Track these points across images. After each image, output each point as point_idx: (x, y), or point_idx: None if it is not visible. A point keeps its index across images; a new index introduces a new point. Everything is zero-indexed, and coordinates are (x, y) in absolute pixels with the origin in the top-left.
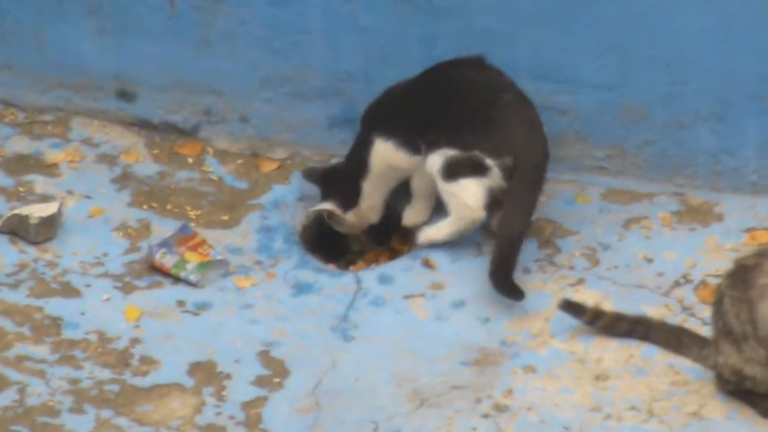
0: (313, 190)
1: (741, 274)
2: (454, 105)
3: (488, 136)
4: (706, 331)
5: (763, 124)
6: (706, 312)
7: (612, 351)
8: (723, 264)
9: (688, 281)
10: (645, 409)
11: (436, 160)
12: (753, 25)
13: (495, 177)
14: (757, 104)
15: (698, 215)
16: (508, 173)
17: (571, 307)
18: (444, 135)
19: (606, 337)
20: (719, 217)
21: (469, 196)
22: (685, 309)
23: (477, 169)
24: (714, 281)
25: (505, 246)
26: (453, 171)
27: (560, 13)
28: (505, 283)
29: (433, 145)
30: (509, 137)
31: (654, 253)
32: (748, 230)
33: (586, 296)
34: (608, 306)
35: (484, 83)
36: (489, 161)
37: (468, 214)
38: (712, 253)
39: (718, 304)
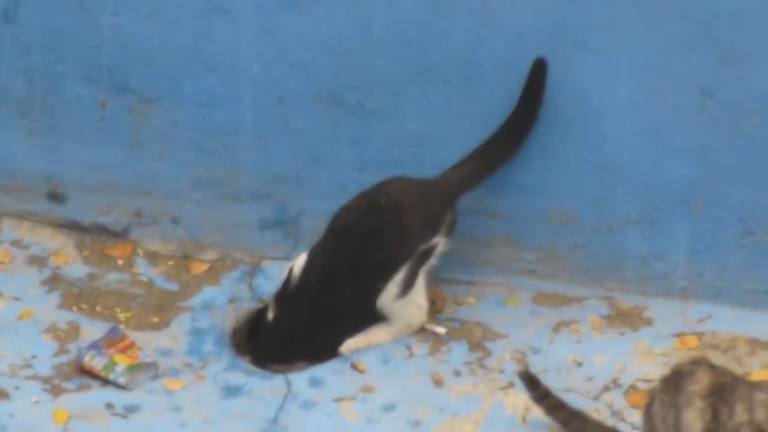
0: (243, 291)
1: (674, 379)
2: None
3: (412, 231)
4: None
5: (692, 228)
6: (636, 417)
7: None
8: (652, 369)
9: (617, 385)
10: None
11: (390, 292)
12: (682, 129)
13: (442, 243)
14: (687, 209)
15: (628, 319)
16: (453, 224)
17: (529, 378)
18: (378, 280)
19: None
20: (648, 322)
21: (420, 299)
22: (615, 413)
23: (424, 260)
24: (644, 386)
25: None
26: (409, 283)
27: (489, 116)
28: None
29: (378, 293)
30: (429, 212)
31: (584, 357)
32: (678, 335)
33: (517, 399)
34: (537, 411)
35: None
36: (435, 240)
37: (419, 318)
38: (642, 358)
39: (648, 406)
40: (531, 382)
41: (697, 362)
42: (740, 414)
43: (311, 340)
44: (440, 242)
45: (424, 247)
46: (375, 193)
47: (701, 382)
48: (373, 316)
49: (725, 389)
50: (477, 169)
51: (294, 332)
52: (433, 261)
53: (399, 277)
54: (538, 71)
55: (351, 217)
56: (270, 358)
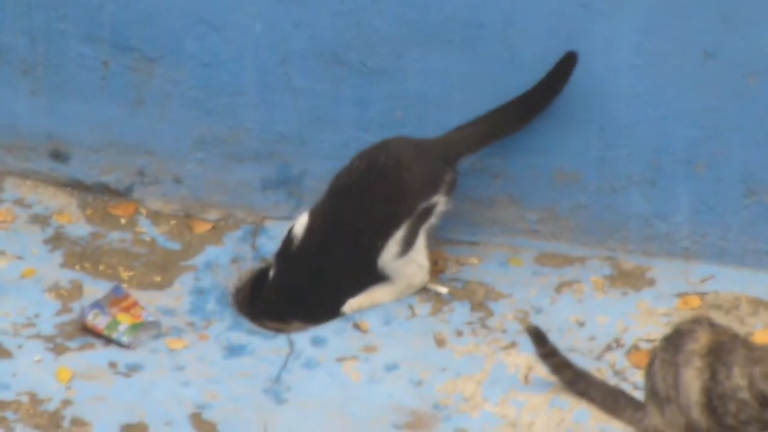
0: (246, 251)
1: (674, 338)
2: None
3: (411, 188)
4: (637, 395)
5: (694, 189)
6: (638, 376)
7: (543, 415)
8: (654, 328)
9: (619, 345)
10: None
11: (390, 251)
12: (685, 90)
13: (442, 203)
14: (689, 169)
15: (630, 279)
16: (453, 183)
17: (536, 334)
18: (378, 238)
19: (537, 399)
20: (651, 282)
21: (421, 258)
22: (617, 373)
23: (425, 219)
24: (645, 346)
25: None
26: (409, 241)
27: (491, 77)
28: None
29: (379, 251)
30: (428, 171)
31: (586, 317)
32: (680, 295)
33: (519, 359)
34: (541, 370)
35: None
36: (435, 198)
37: (420, 277)
38: (644, 318)
39: (650, 365)
40: (538, 339)
41: (698, 321)
42: (738, 378)
43: (312, 299)
44: (440, 201)
45: (423, 205)
46: (375, 152)
47: (700, 341)
48: (374, 276)
49: (722, 349)
50: (480, 133)
51: (294, 291)
52: (433, 220)
53: (399, 235)
54: (567, 63)
55: (352, 177)
56: (267, 315)
